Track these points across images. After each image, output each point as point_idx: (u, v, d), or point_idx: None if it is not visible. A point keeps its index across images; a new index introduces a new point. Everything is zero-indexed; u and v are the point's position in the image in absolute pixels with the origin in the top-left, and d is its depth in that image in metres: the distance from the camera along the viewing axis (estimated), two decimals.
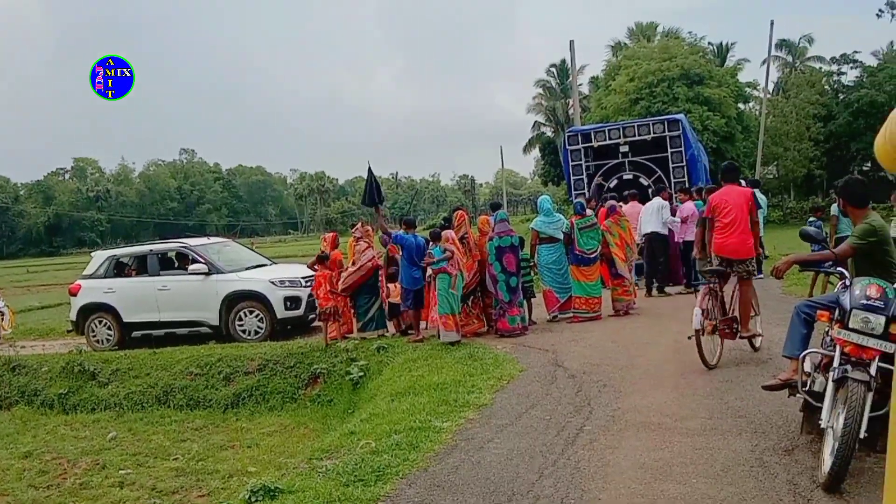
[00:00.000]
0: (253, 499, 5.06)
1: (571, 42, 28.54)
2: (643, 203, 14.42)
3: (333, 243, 12.06)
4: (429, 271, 10.60)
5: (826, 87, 47.02)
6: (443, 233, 10.74)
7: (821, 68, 50.12)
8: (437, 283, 10.33)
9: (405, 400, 7.52)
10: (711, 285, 7.79)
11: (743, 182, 11.66)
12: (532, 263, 11.65)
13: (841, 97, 46.25)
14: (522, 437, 5.91)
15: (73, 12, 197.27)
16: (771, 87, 45.09)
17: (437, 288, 10.34)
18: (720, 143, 35.73)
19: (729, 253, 7.96)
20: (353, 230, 11.79)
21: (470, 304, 10.99)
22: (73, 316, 14.56)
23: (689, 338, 7.62)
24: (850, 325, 4.57)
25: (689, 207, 13.49)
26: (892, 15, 40.02)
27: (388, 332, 11.79)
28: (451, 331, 10.25)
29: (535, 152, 65.96)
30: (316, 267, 11.74)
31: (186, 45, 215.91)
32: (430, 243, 10.74)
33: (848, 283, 4.86)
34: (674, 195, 14.94)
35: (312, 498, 4.84)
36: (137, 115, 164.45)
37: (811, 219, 13.03)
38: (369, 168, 11.20)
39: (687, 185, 15.89)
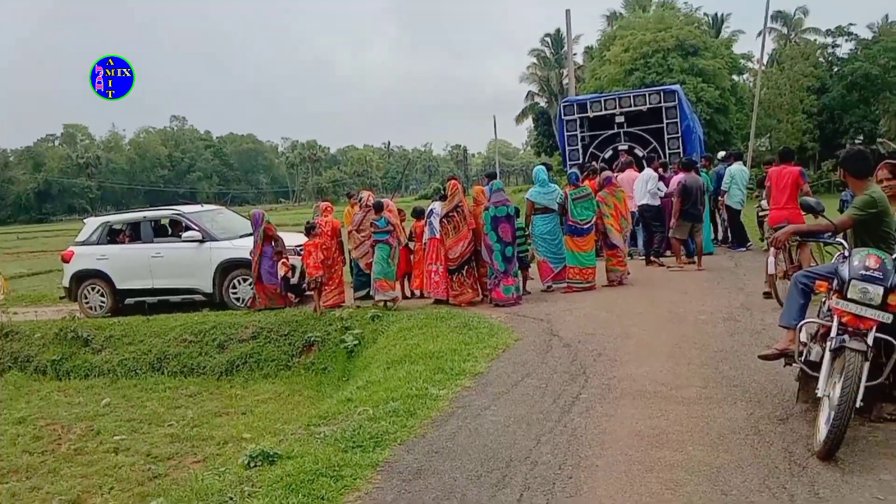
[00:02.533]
0: (252, 464, 5.07)
1: (567, 11, 28.41)
2: (640, 172, 14.45)
3: (329, 212, 12.05)
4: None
5: (820, 59, 46.81)
6: (384, 202, 11.54)
7: (816, 40, 49.90)
8: (375, 252, 11.13)
9: (401, 368, 7.53)
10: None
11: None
12: (527, 233, 11.67)
13: (835, 70, 46.08)
14: (519, 405, 5.95)
15: None
16: (765, 58, 44.87)
17: (374, 256, 11.16)
18: (714, 114, 35.64)
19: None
20: (365, 198, 11.78)
21: (464, 273, 10.98)
22: (65, 282, 14.47)
23: (765, 282, 9.22)
24: (849, 296, 4.58)
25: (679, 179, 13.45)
26: None
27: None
28: (386, 290, 11.31)
29: (528, 122, 65.75)
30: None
31: (177, 10, 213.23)
32: (375, 214, 11.26)
33: (847, 253, 4.87)
34: (668, 165, 14.99)
35: (311, 463, 4.85)
36: None
37: (844, 192, 12.82)
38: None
39: (681, 155, 15.89)
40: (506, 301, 10.61)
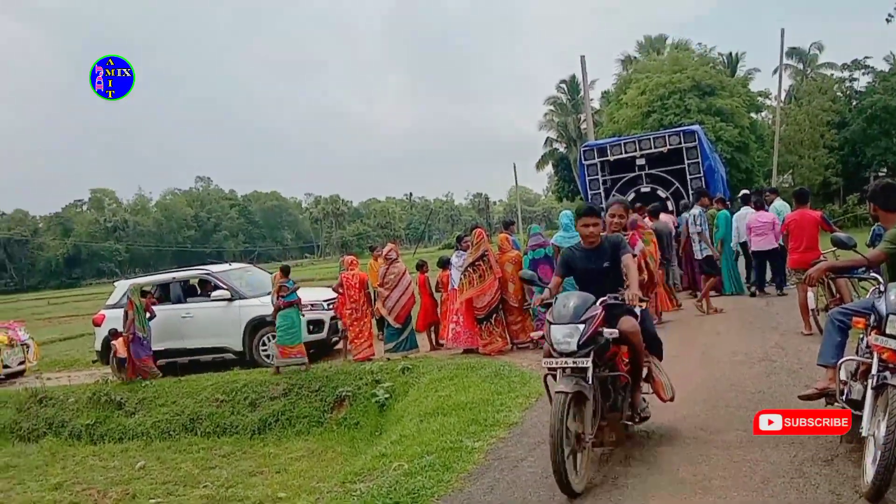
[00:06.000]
0: None
1: (582, 58, 28.75)
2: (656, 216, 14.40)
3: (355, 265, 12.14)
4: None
5: (838, 93, 46.76)
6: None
7: (832, 75, 49.93)
8: (279, 319, 11.55)
9: (434, 420, 7.49)
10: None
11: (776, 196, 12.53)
12: None
13: (854, 103, 46.00)
14: None
15: (81, 41, 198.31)
16: (783, 95, 44.91)
17: (280, 321, 11.51)
18: (734, 153, 35.57)
19: (806, 267, 8.62)
20: (386, 251, 11.82)
21: (493, 322, 10.95)
22: (97, 346, 14.58)
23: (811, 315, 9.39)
24: (888, 331, 4.51)
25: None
26: None
27: (417, 351, 11.79)
28: (288, 356, 11.74)
29: (548, 168, 65.96)
30: (339, 290, 11.87)
31: (197, 74, 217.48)
32: (283, 277, 11.64)
33: (883, 288, 4.81)
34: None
35: None
36: (153, 144, 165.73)
37: (876, 225, 12.69)
38: None
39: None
40: None
